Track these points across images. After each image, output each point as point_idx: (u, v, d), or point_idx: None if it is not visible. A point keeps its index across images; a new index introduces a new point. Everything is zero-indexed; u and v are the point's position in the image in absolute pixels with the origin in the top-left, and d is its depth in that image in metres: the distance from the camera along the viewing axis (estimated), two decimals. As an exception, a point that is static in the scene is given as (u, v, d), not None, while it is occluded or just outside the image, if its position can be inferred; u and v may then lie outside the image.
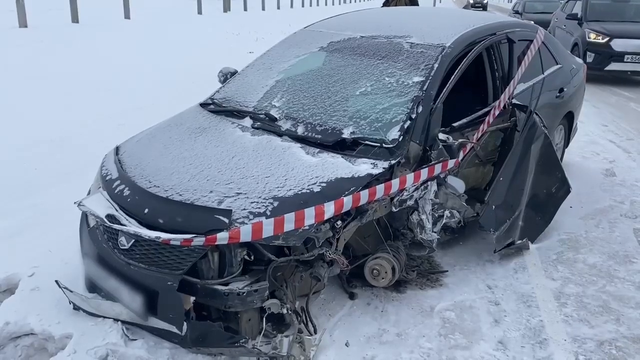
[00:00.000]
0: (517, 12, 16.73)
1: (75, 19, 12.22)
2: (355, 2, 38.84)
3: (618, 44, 9.92)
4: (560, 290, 3.37)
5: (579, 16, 10.99)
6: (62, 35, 10.57)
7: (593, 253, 3.83)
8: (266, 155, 2.98)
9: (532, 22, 4.83)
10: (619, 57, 9.90)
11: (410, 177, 2.93)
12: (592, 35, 10.25)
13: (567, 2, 12.88)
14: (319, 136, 3.13)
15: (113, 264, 2.74)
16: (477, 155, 3.70)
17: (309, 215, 2.54)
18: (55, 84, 7.33)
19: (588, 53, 10.16)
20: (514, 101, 3.86)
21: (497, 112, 3.62)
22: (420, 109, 3.14)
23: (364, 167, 2.86)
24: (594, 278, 3.52)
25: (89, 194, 3.24)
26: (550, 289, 3.38)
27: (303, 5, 29.07)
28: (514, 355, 2.79)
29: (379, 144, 3.01)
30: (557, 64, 4.83)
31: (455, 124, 3.39)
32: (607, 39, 10.04)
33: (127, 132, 3.82)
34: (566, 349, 2.84)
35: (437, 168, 3.04)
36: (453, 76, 3.39)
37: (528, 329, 3.00)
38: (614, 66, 10.03)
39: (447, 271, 3.54)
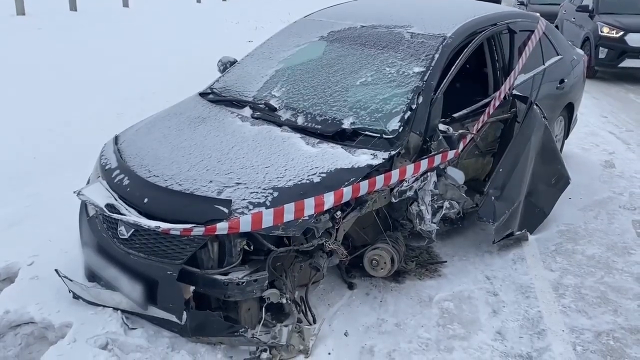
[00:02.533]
0: (521, 3, 15.68)
1: (73, 7, 12.12)
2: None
3: (633, 39, 9.11)
4: (559, 281, 3.39)
5: (590, 8, 10.16)
6: (61, 24, 10.49)
7: (592, 244, 3.84)
8: (266, 146, 2.98)
9: (538, 14, 4.76)
10: (635, 53, 9.11)
11: (410, 167, 2.93)
12: (605, 29, 9.42)
13: None
14: (319, 126, 3.12)
15: (113, 254, 2.74)
16: (477, 146, 3.70)
17: (309, 206, 2.54)
18: (54, 73, 7.28)
19: (600, 48, 9.42)
20: (514, 92, 3.85)
21: (497, 103, 3.61)
22: (420, 99, 3.13)
23: (364, 157, 2.86)
24: (592, 269, 3.53)
25: (88, 183, 3.24)
26: (549, 280, 3.40)
27: (303, -6, 28.84)
28: (512, 346, 2.80)
29: (379, 135, 3.00)
30: (558, 54, 4.82)
31: (455, 115, 3.38)
32: (621, 33, 9.24)
33: (126, 122, 3.81)
34: (564, 340, 2.86)
35: (437, 159, 3.04)
36: (454, 67, 3.37)
37: (526, 320, 3.02)
38: (628, 63, 9.23)
39: (445, 262, 3.55)
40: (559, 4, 13.97)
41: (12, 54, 7.84)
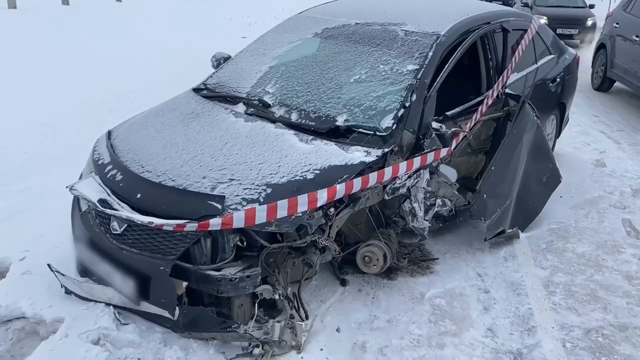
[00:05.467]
0: (526, 5, 13.64)
1: (65, 0, 12.06)
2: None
3: None
4: (549, 279, 3.41)
5: None
6: (52, 17, 10.42)
7: (582, 242, 3.87)
8: (259, 142, 2.98)
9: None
10: None
11: (403, 165, 2.94)
12: None
13: None
14: (313, 123, 3.13)
15: (105, 249, 2.73)
16: (469, 144, 3.72)
17: (302, 202, 2.55)
18: (46, 67, 7.24)
19: None
20: (507, 91, 3.87)
21: (490, 102, 3.62)
22: (414, 97, 3.14)
23: (358, 154, 2.87)
24: (582, 267, 3.56)
25: (80, 178, 3.23)
26: (540, 278, 3.42)
27: (297, -9, 28.73)
28: (503, 342, 2.82)
29: (372, 132, 3.01)
30: (550, 54, 4.84)
31: (448, 113, 3.40)
32: None
33: (119, 117, 3.79)
34: (554, 337, 2.88)
35: (430, 157, 3.05)
36: (447, 65, 3.39)
37: (517, 317, 3.04)
38: None
39: (437, 259, 3.57)
40: (567, 7, 12.23)
41: (3, 48, 7.78)
